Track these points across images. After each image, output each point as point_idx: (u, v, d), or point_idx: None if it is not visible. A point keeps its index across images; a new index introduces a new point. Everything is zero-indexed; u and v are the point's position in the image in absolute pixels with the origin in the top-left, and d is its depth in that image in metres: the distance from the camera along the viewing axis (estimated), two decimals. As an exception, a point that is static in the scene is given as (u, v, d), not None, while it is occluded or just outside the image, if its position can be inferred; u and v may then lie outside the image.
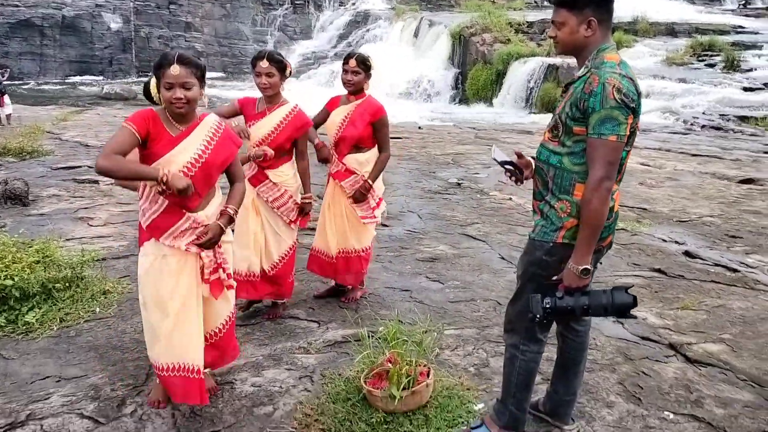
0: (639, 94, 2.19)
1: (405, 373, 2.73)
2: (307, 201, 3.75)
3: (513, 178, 2.54)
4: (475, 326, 3.77)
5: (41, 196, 6.58)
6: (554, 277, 2.33)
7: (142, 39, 27.33)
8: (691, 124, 13.74)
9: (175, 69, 2.50)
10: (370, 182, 3.89)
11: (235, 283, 2.88)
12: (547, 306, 2.28)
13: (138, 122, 2.51)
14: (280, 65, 3.48)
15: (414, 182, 7.92)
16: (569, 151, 2.26)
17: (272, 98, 3.58)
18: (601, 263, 2.53)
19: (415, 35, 24.59)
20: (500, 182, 7.82)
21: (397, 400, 2.67)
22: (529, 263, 2.40)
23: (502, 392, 2.59)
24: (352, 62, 3.81)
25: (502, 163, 2.50)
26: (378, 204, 4.02)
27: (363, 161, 3.93)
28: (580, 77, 2.25)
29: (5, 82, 12.99)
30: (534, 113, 16.60)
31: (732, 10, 27.39)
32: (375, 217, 4.01)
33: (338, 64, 21.05)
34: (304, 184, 3.75)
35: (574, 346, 2.60)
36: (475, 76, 19.92)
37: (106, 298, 4.02)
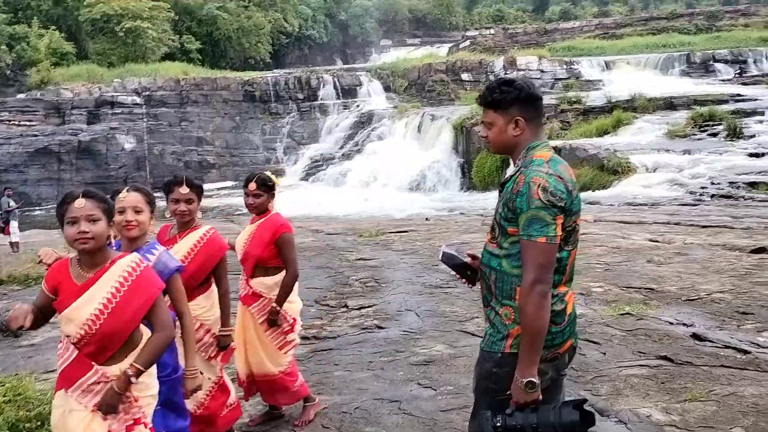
0: (569, 192, 2.10)
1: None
2: (225, 334, 3.43)
3: (464, 280, 2.41)
4: (466, 438, 3.51)
5: (36, 325, 6.51)
6: (508, 392, 2.14)
7: (155, 156, 28.31)
8: (700, 195, 13.58)
9: (79, 202, 2.30)
10: (278, 307, 3.71)
11: None
12: (498, 424, 2.09)
13: (48, 277, 2.36)
14: (200, 190, 3.36)
15: (415, 277, 7.77)
16: (507, 253, 2.15)
17: (186, 224, 3.40)
18: (563, 375, 2.33)
19: (419, 130, 25.17)
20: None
21: None
22: (481, 376, 2.24)
23: None
24: (252, 185, 3.72)
25: (451, 266, 2.38)
26: (292, 327, 3.81)
27: (271, 285, 3.76)
28: (511, 176, 2.17)
29: (16, 210, 13.27)
30: (540, 196, 16.59)
31: (729, 80, 27.84)
32: (290, 342, 3.81)
33: (347, 164, 21.35)
34: (223, 315, 3.42)
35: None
36: (480, 163, 20.18)
37: (80, 433, 3.83)
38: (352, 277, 7.81)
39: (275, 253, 3.76)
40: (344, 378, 4.58)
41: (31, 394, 3.92)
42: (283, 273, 3.79)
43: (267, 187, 3.75)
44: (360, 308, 6.45)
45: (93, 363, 2.33)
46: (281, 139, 29.62)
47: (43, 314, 2.43)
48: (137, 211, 2.79)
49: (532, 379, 2.05)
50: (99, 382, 2.32)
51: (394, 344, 5.27)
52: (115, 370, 2.34)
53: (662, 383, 4.04)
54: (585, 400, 2.12)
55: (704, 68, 30.55)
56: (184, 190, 3.27)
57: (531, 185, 2.04)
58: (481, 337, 5.32)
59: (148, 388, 2.43)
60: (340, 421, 3.82)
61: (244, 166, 28.87)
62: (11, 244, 12.45)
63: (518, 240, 2.10)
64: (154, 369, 2.50)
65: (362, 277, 7.88)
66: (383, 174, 23.31)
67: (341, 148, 27.61)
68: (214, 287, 3.46)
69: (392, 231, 11.75)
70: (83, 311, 2.29)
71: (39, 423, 3.77)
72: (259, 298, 3.76)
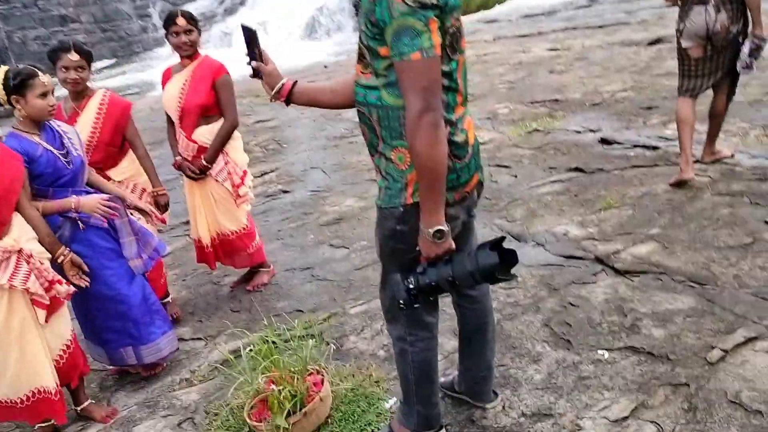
0: None
1: (288, 395, 2.25)
2: (161, 194, 3.29)
3: (251, 63, 1.95)
4: (384, 293, 3.30)
5: None
6: (418, 248, 1.80)
7: (17, 45, 25.24)
8: (594, -6, 13.30)
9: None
10: (208, 164, 3.36)
11: (69, 290, 2.56)
12: (411, 286, 1.78)
13: None
14: (89, 56, 3.04)
15: (318, 131, 7.31)
16: (385, 82, 1.69)
17: (79, 94, 3.11)
18: (473, 215, 2.01)
19: (301, -29, 23.24)
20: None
21: (284, 430, 2.21)
22: (384, 237, 1.86)
23: (402, 392, 2.12)
24: (181, 21, 3.24)
25: (247, 39, 1.92)
26: (242, 180, 3.49)
27: (216, 132, 3.37)
28: (366, -15, 1.66)
29: None
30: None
31: None
32: (243, 196, 3.49)
33: (230, 21, 19.46)
34: (150, 177, 3.25)
35: (474, 315, 2.13)
36: None
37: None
38: (251, 143, 7.27)
39: (216, 99, 3.35)
40: (251, 253, 4.25)
41: None
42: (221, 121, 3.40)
43: (195, 22, 3.31)
44: (262, 174, 6.01)
45: None
46: (154, 2, 26.86)
47: None
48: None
49: (440, 227, 1.70)
50: (2, 260, 2.40)
51: (302, 207, 4.93)
52: (9, 242, 2.42)
53: (575, 196, 3.91)
54: (503, 238, 1.81)
55: None
56: (74, 56, 3.00)
57: None
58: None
59: (44, 252, 2.53)
60: (250, 301, 3.52)
61: (120, 41, 26.25)
62: None
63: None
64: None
65: (262, 140, 7.38)
66: (271, 24, 21.74)
67: (221, 3, 25.37)
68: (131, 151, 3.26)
69: (289, 85, 11.02)
70: None
71: None
72: (206, 149, 3.37)
